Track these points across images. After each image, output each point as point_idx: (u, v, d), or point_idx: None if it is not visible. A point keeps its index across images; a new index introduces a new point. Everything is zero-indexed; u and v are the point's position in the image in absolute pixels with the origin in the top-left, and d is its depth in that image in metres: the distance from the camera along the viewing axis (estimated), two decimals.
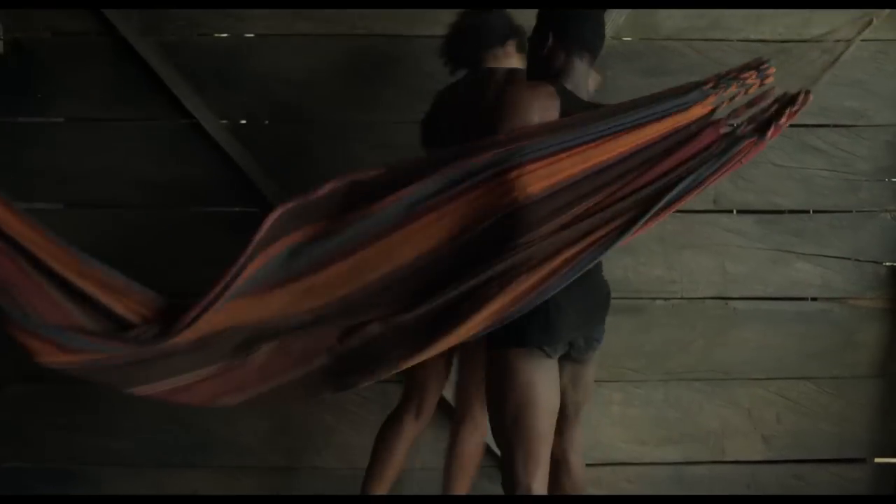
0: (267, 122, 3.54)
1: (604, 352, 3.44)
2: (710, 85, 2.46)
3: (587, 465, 3.42)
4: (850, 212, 3.59)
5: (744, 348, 3.56)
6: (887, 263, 3.61)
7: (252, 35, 3.51)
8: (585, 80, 2.67)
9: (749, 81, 2.47)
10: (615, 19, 3.43)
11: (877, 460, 3.69)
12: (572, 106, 2.56)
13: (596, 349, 2.76)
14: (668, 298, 3.59)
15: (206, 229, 3.54)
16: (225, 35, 3.51)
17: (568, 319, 2.58)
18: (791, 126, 3.49)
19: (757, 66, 2.49)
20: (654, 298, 3.59)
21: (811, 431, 3.66)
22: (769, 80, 2.48)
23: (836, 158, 3.56)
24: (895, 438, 3.66)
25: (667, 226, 3.55)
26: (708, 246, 3.57)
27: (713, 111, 2.46)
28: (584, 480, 2.89)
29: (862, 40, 3.45)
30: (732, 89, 2.46)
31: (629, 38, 3.51)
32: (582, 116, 2.47)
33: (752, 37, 3.51)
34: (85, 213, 3.52)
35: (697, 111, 2.44)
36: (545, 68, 2.65)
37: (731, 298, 3.59)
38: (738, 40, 3.51)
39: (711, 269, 3.57)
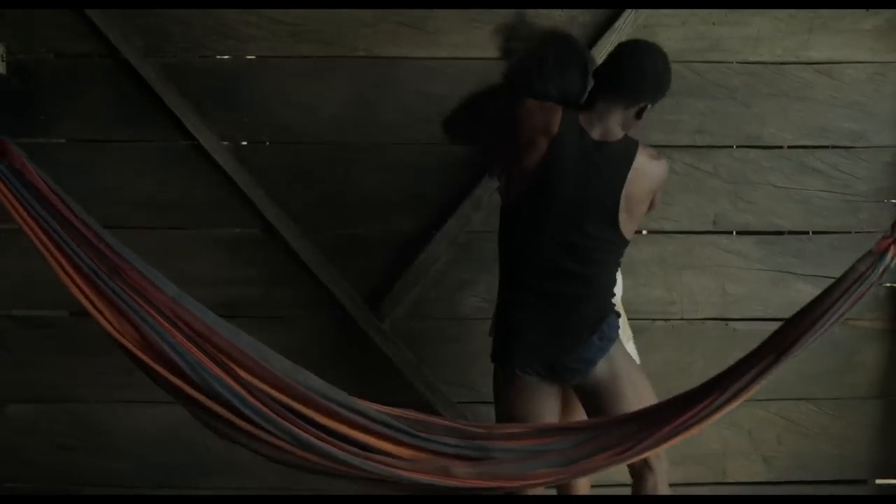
0: (268, 143, 3.55)
1: None
2: (885, 245, 2.40)
3: (591, 486, 3.44)
4: (850, 233, 3.59)
5: None
6: (887, 284, 3.61)
7: (253, 57, 3.52)
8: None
9: None
10: (614, 41, 3.44)
11: (878, 481, 3.68)
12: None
13: (582, 376, 2.76)
14: (668, 319, 3.60)
15: (207, 250, 3.55)
16: (226, 57, 3.52)
17: (522, 343, 2.72)
18: (790, 147, 3.56)
19: None
20: (654, 319, 3.59)
21: (812, 452, 3.66)
22: None
23: (835, 180, 3.57)
24: None
25: (667, 247, 3.57)
26: (708, 267, 3.58)
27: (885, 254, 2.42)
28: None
29: (860, 62, 3.53)
30: None
31: None
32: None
33: (751, 59, 3.53)
34: None
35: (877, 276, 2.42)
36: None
37: (732, 319, 3.59)
38: (736, 62, 3.53)
39: (711, 291, 3.58)
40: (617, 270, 2.87)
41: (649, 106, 2.83)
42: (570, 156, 2.73)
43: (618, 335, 2.81)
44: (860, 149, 3.57)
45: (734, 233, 3.60)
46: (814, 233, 3.59)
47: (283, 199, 3.50)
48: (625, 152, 2.77)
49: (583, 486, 3.19)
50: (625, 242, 2.82)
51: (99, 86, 3.50)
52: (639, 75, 2.77)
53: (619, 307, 2.99)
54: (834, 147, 3.57)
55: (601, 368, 2.76)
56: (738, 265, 3.59)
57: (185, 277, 3.49)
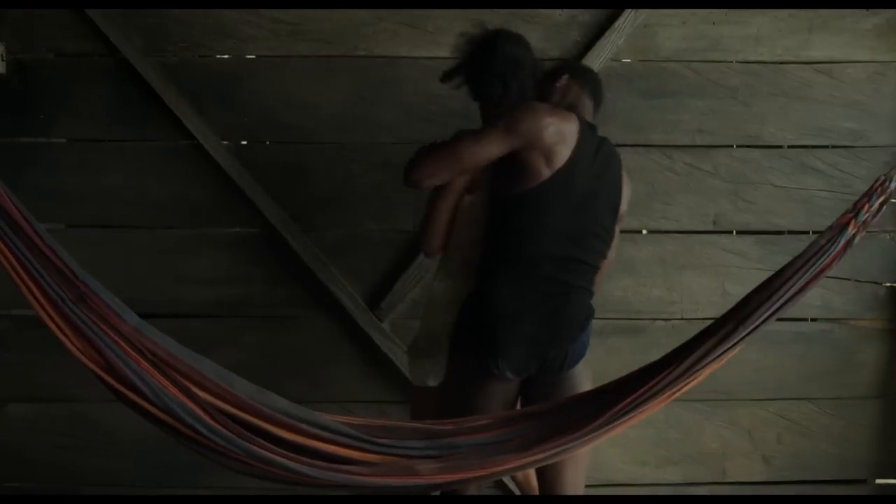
0: (267, 142, 3.55)
1: (604, 372, 3.46)
2: (846, 219, 2.45)
3: (588, 486, 3.44)
4: None
5: (744, 369, 3.56)
6: (887, 284, 3.61)
7: (253, 56, 3.52)
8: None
9: (876, 194, 2.45)
10: (615, 41, 3.44)
11: (877, 481, 3.69)
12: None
13: (565, 371, 2.72)
14: (668, 319, 3.60)
15: (207, 249, 3.55)
16: (226, 56, 3.52)
17: (514, 337, 2.66)
18: (790, 147, 3.57)
19: (884, 180, 2.47)
20: (654, 319, 3.60)
21: (812, 452, 3.66)
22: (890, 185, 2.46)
23: (835, 179, 3.57)
24: None
25: (667, 246, 3.57)
26: (708, 267, 3.58)
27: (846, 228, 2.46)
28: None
29: (860, 62, 3.53)
30: (864, 210, 2.46)
31: (628, 60, 3.53)
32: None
33: (751, 58, 3.53)
34: (86, 234, 3.53)
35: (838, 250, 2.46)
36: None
37: None
38: (736, 62, 3.54)
39: (711, 290, 3.58)
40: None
41: None
42: (590, 149, 2.73)
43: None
44: (860, 148, 3.57)
45: (734, 232, 3.60)
46: (814, 232, 3.59)
47: (283, 199, 3.50)
48: (615, 150, 2.85)
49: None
50: (611, 241, 2.84)
51: (99, 85, 3.50)
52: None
53: None
54: (834, 147, 3.58)
55: (578, 368, 2.75)
56: (737, 265, 3.59)
57: (185, 277, 3.53)
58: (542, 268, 2.69)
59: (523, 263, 2.69)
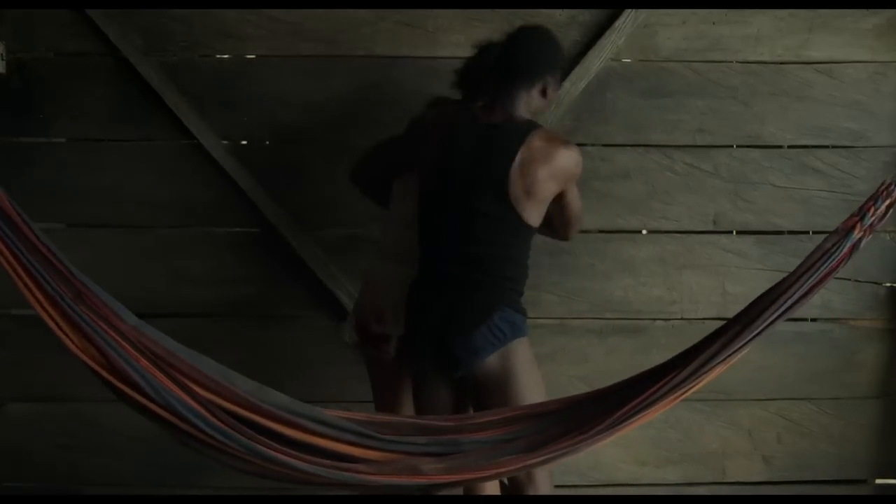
0: (268, 142, 3.55)
1: (604, 372, 3.46)
2: (851, 223, 2.47)
3: (588, 486, 3.45)
4: None
5: (744, 369, 3.54)
6: (887, 284, 3.61)
7: (253, 56, 3.52)
8: None
9: (882, 197, 2.47)
10: (615, 41, 3.44)
11: (878, 481, 3.69)
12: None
13: (467, 368, 2.74)
14: (668, 319, 3.60)
15: (207, 249, 3.55)
16: (226, 56, 3.52)
17: (415, 327, 2.83)
18: (790, 147, 3.57)
19: (889, 183, 2.48)
20: (654, 319, 3.60)
21: (812, 452, 3.66)
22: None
23: (835, 179, 3.57)
24: None
25: (667, 246, 3.57)
26: (708, 267, 3.58)
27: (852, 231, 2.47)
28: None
29: (860, 62, 3.53)
30: (870, 213, 2.46)
31: (628, 60, 3.53)
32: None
33: (751, 58, 3.53)
34: (86, 233, 3.53)
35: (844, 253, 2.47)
36: None
37: None
38: (737, 62, 3.53)
39: (711, 290, 3.58)
40: (521, 264, 2.81)
41: (550, 85, 2.84)
42: (462, 139, 2.79)
43: (520, 335, 2.75)
44: (860, 149, 3.57)
45: (734, 232, 3.60)
46: (814, 232, 3.59)
47: (284, 199, 3.50)
48: (516, 130, 2.76)
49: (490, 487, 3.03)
50: (526, 228, 2.77)
51: (99, 84, 3.50)
52: (518, 55, 2.82)
53: None
54: (834, 147, 3.58)
55: (491, 365, 2.72)
56: (737, 265, 3.59)
57: (184, 277, 3.53)
58: (439, 262, 2.81)
59: (425, 259, 2.85)
